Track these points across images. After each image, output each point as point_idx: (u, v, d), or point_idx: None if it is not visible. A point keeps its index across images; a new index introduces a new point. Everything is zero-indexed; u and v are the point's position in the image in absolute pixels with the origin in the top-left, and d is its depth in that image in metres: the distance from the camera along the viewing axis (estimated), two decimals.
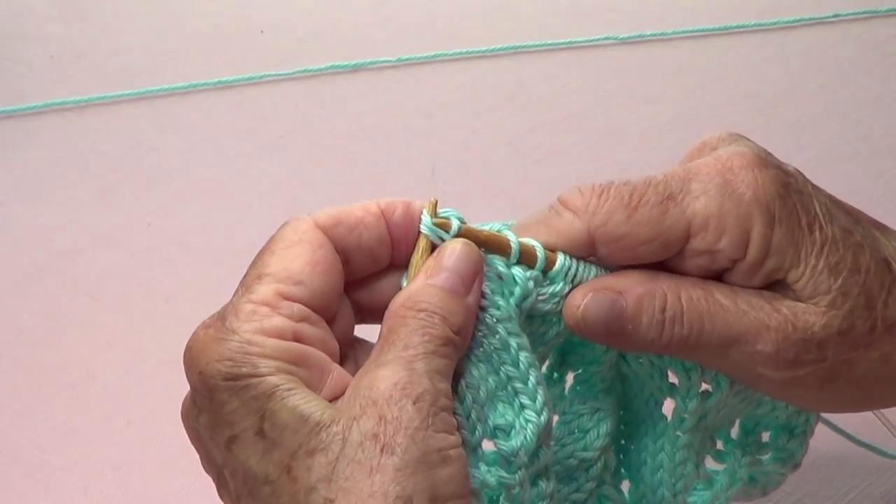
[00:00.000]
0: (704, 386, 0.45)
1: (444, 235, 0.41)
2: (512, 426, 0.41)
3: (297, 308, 0.39)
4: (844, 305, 0.42)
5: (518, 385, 0.41)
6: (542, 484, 0.42)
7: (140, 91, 0.78)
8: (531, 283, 0.41)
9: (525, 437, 0.40)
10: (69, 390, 0.65)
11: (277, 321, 0.38)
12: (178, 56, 0.80)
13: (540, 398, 0.41)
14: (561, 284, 0.42)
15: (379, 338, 0.40)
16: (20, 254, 0.71)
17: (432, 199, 0.42)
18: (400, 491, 0.35)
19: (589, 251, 0.42)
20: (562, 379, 0.46)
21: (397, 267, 0.43)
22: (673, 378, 0.45)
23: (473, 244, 0.41)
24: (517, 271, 0.41)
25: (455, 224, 0.41)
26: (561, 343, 0.45)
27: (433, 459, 0.36)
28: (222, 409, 0.37)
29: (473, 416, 0.40)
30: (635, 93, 0.81)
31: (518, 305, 0.42)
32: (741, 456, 0.49)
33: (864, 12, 0.86)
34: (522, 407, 0.41)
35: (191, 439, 0.41)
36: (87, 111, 0.77)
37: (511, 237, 0.42)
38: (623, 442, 0.48)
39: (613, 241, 0.42)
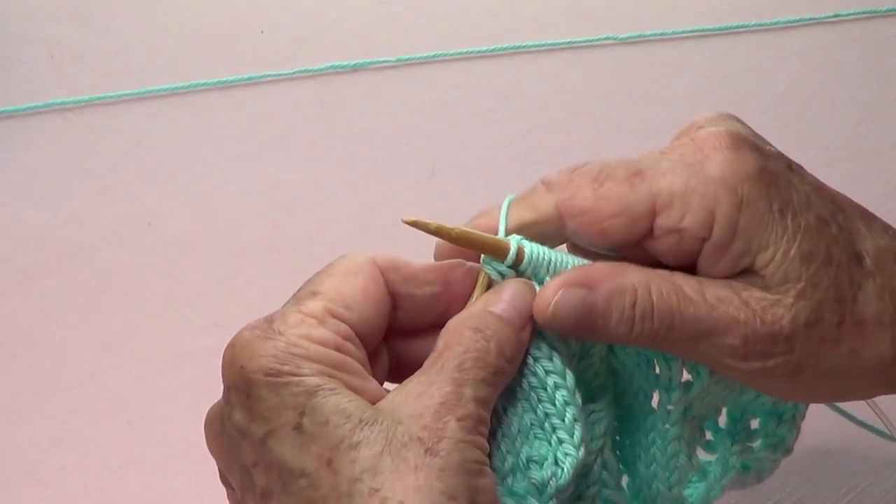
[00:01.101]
0: (686, 377, 0.46)
1: (504, 271, 0.42)
2: (545, 458, 0.41)
3: (344, 327, 0.40)
4: (814, 296, 0.42)
5: (556, 421, 0.42)
6: None
7: (140, 91, 0.78)
8: None
9: (563, 469, 0.41)
10: (69, 390, 0.65)
11: (323, 332, 0.39)
12: (178, 56, 0.80)
13: (577, 433, 0.42)
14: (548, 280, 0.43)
15: (433, 352, 0.40)
16: (20, 254, 0.71)
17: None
18: (444, 488, 0.36)
19: (559, 225, 0.43)
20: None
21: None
22: (657, 369, 0.46)
23: (532, 284, 0.42)
24: None
25: (513, 244, 0.42)
26: None
27: (473, 468, 0.37)
28: (260, 405, 0.38)
29: (504, 448, 0.41)
30: (635, 93, 0.81)
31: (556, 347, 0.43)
32: (731, 444, 0.49)
33: (864, 12, 0.86)
34: (560, 441, 0.42)
35: (212, 446, 0.41)
36: (87, 111, 0.77)
37: (512, 242, 0.42)
38: (618, 438, 0.48)
39: (579, 213, 0.42)
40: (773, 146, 0.45)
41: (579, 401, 0.42)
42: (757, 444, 0.50)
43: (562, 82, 0.81)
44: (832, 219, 0.43)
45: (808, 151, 0.78)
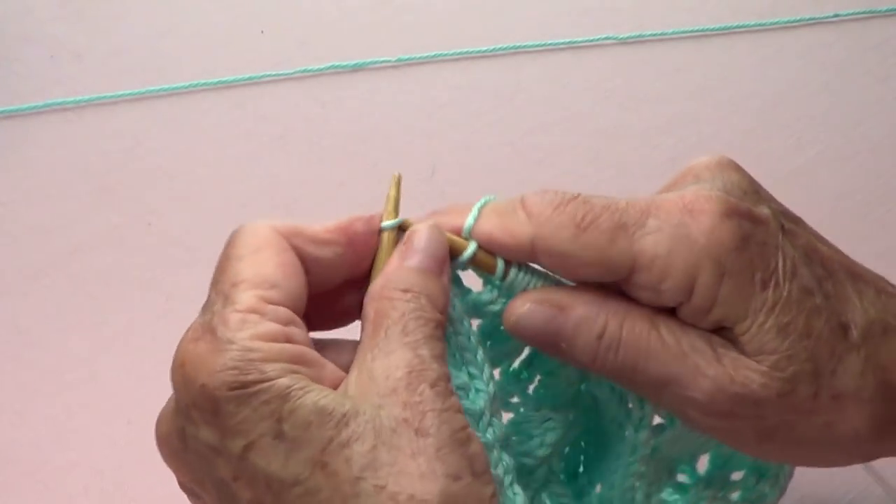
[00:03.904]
0: (659, 420, 0.45)
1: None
2: (469, 388, 0.41)
3: (282, 311, 0.39)
4: (788, 369, 0.41)
5: (468, 356, 0.42)
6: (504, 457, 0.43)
7: (140, 91, 0.78)
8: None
9: (480, 401, 0.41)
10: (69, 390, 0.65)
11: (269, 326, 0.38)
12: (178, 56, 0.80)
13: (487, 371, 0.42)
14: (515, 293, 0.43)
15: (365, 321, 0.40)
16: (20, 254, 0.71)
17: (391, 192, 0.43)
18: (446, 469, 0.35)
19: (531, 257, 0.42)
20: (530, 379, 0.46)
21: (356, 284, 0.43)
22: (631, 402, 0.45)
23: (438, 227, 0.42)
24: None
25: (510, 272, 0.43)
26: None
27: (462, 437, 0.37)
28: (231, 420, 0.36)
29: None
30: (635, 93, 0.81)
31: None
32: (704, 489, 0.48)
33: (864, 12, 0.86)
34: (471, 376, 0.42)
35: (171, 461, 0.40)
36: (87, 111, 0.77)
37: (471, 246, 0.42)
38: (592, 452, 0.48)
39: (556, 256, 0.41)
40: (769, 204, 0.44)
41: (482, 342, 0.43)
42: (735, 495, 0.49)
43: (562, 82, 0.81)
44: (818, 288, 0.42)
45: (808, 151, 0.78)
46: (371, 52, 0.81)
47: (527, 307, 0.42)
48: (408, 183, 0.77)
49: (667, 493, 0.48)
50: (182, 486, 0.41)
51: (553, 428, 0.45)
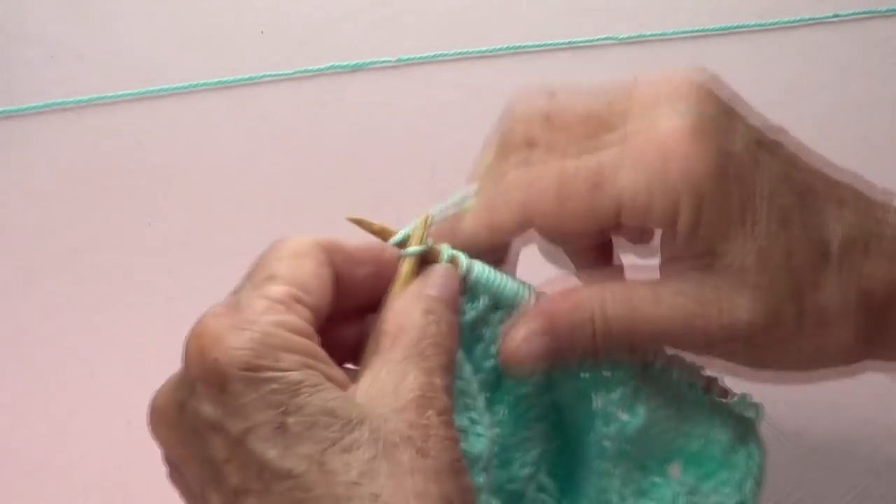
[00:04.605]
0: (624, 415, 0.45)
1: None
2: (467, 432, 0.41)
3: (308, 313, 0.39)
4: (770, 299, 0.41)
5: (468, 401, 0.42)
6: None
7: (140, 91, 0.78)
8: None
9: (479, 447, 0.41)
10: (69, 390, 0.65)
11: (294, 319, 0.38)
12: (178, 56, 0.80)
13: (487, 417, 0.42)
14: (484, 299, 0.43)
15: (382, 335, 0.40)
16: (20, 254, 0.71)
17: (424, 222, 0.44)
18: (441, 492, 0.36)
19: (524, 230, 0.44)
20: (499, 402, 0.46)
21: (353, 317, 0.43)
22: (597, 403, 0.45)
23: (456, 270, 0.43)
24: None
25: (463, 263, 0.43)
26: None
27: (458, 468, 0.37)
28: (236, 401, 0.36)
29: None
30: None
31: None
32: (676, 496, 0.48)
33: (864, 12, 0.86)
34: (472, 421, 0.42)
35: (162, 432, 0.40)
36: (87, 111, 0.77)
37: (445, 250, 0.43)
38: (567, 463, 0.48)
39: (550, 228, 0.43)
40: (742, 119, 0.45)
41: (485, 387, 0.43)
42: (710, 500, 0.49)
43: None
44: (800, 204, 0.43)
45: None
46: (371, 52, 0.81)
47: (522, 339, 0.42)
48: (407, 183, 0.77)
49: (640, 500, 0.48)
50: (166, 459, 0.41)
51: (531, 447, 0.45)
